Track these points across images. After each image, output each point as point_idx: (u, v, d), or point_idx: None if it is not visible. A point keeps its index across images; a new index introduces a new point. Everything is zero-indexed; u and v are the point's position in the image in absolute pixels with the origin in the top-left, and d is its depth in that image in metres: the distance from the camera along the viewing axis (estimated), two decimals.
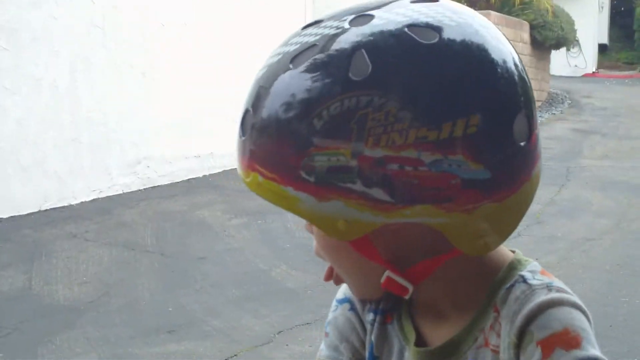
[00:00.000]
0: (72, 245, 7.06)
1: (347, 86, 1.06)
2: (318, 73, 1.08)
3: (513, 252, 1.24)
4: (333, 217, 1.09)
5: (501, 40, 1.14)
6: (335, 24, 1.11)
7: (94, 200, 8.33)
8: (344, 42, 1.08)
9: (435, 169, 1.06)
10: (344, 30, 1.10)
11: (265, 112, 1.11)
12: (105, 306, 5.91)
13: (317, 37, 1.11)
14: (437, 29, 1.08)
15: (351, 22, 1.10)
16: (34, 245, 7.03)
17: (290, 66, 1.10)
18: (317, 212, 1.10)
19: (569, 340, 1.07)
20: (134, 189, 8.77)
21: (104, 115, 8.43)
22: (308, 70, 1.08)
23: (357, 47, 1.07)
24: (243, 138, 1.14)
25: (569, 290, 1.14)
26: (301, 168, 1.08)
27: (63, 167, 8.08)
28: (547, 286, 1.14)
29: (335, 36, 1.09)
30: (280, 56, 1.12)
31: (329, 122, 1.07)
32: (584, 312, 1.11)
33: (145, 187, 8.88)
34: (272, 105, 1.10)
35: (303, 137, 1.08)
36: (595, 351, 1.07)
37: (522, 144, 1.11)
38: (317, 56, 1.08)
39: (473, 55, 1.08)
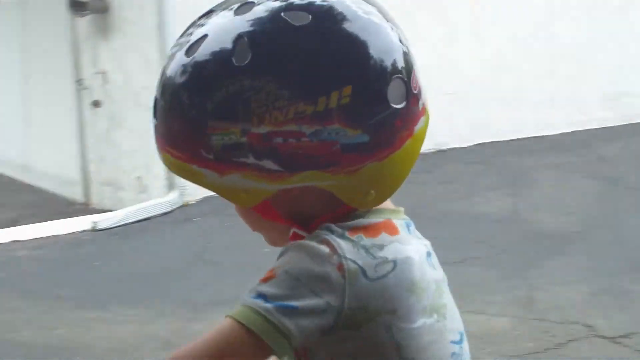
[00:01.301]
0: (554, 175, 7.53)
1: (232, 72, 1.23)
2: (207, 61, 1.24)
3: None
4: (234, 188, 1.28)
5: (373, 13, 1.28)
6: (223, 13, 1.27)
7: (572, 132, 8.57)
8: (228, 31, 1.24)
9: (315, 138, 1.23)
10: (230, 20, 1.26)
11: (167, 99, 1.28)
12: (592, 238, 6.12)
13: (208, 27, 1.27)
14: (310, 11, 1.24)
15: (236, 11, 1.26)
16: (516, 171, 7.66)
17: (185, 57, 1.26)
18: (220, 185, 1.28)
19: (266, 276, 1.24)
20: (613, 124, 8.76)
21: (578, 47, 8.72)
22: (199, 58, 1.25)
23: (239, 36, 1.23)
24: (155, 122, 1.30)
25: (337, 243, 1.26)
26: (201, 147, 1.25)
27: (540, 98, 8.49)
28: (315, 236, 1.28)
29: (222, 26, 1.26)
30: (178, 47, 1.29)
31: (218, 105, 1.23)
32: (319, 261, 1.24)
33: (624, 122, 8.81)
34: (172, 92, 1.27)
35: (199, 120, 1.25)
36: (273, 290, 1.22)
37: (399, 106, 1.27)
38: (206, 45, 1.25)
39: (341, 32, 1.24)
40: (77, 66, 8.15)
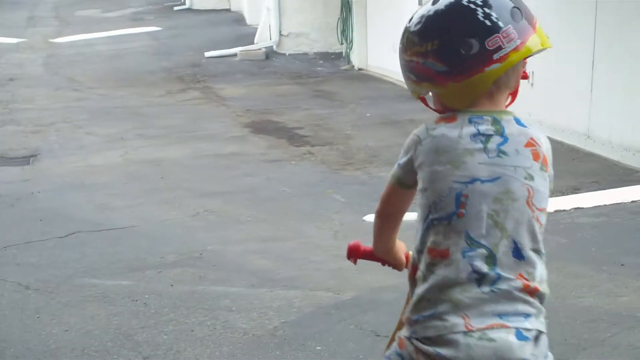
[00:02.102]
0: None
1: (406, 31, 2.41)
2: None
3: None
4: (414, 90, 2.44)
5: (474, 2, 2.30)
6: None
7: None
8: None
9: (423, 65, 2.33)
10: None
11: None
12: None
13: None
14: (437, 2, 2.35)
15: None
16: None
17: None
18: (408, 88, 2.46)
19: None
20: None
21: None
22: None
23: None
24: None
25: (420, 126, 2.40)
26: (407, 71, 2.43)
27: None
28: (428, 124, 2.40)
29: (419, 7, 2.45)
30: None
31: (402, 49, 2.41)
32: (411, 136, 2.40)
33: None
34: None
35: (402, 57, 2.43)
36: (400, 159, 2.42)
37: (472, 52, 2.27)
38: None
39: (438, 12, 2.32)
40: None
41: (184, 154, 9.96)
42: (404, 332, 2.35)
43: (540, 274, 2.31)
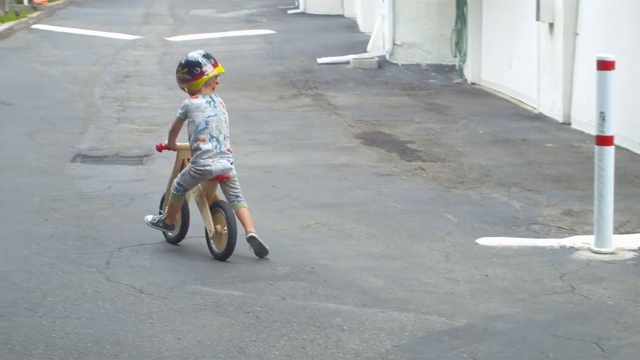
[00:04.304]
0: None
1: (178, 65, 7.24)
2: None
3: None
4: (180, 87, 7.19)
5: (198, 56, 7.10)
6: None
7: None
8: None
9: (183, 76, 7.05)
10: None
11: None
12: None
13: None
14: (187, 55, 7.26)
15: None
16: None
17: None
18: (179, 86, 7.35)
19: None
20: None
21: None
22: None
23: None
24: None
25: (188, 99, 7.21)
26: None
27: None
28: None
29: None
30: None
31: (176, 71, 7.16)
32: (187, 105, 7.19)
33: None
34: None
35: None
36: (180, 111, 7.18)
37: (197, 73, 7.02)
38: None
39: (189, 59, 7.03)
40: None
41: (295, 162, 10.04)
42: (190, 165, 6.85)
43: (229, 145, 6.90)
